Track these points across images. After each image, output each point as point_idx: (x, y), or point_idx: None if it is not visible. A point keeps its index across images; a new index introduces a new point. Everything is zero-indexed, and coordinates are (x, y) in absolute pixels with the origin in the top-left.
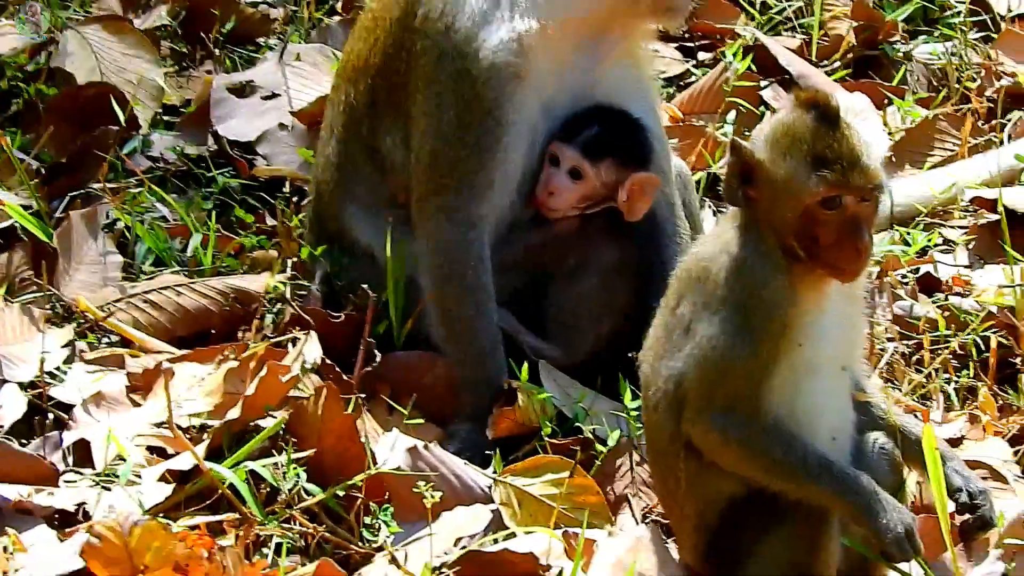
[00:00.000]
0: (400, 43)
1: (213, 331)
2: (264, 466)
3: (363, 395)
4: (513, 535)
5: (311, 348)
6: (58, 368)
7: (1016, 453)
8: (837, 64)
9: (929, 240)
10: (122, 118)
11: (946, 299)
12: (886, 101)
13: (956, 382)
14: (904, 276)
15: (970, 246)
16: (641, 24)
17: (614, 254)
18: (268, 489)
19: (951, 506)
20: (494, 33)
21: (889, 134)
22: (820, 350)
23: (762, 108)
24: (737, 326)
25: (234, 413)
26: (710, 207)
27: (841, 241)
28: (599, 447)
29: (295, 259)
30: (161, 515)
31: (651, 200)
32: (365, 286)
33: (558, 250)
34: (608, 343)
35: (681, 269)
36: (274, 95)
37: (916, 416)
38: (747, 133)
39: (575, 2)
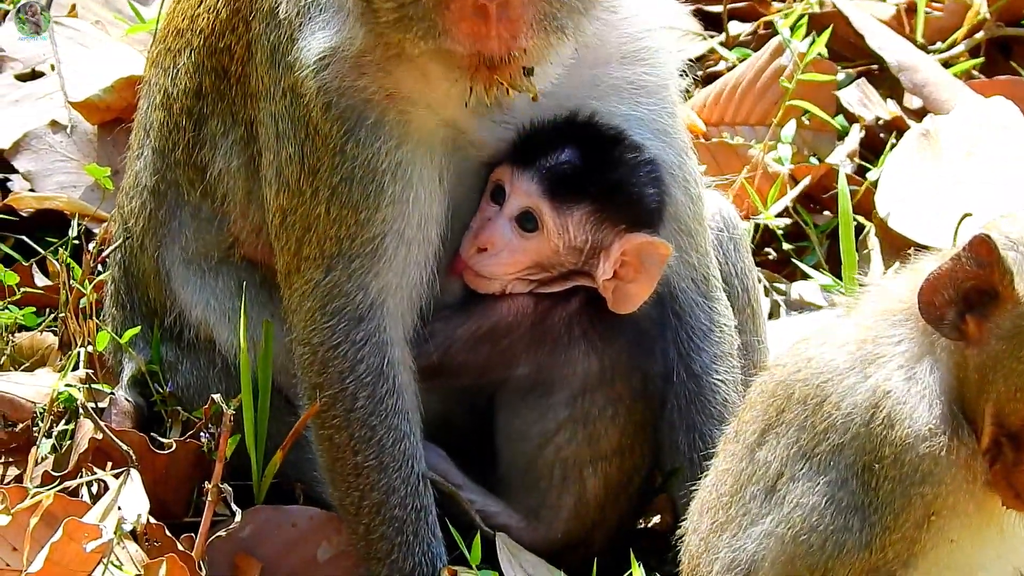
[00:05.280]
0: (236, 6)
1: None
2: None
3: None
4: None
5: (132, 497)
6: None
7: None
8: (959, 48)
9: None
10: None
11: None
12: None
13: None
14: None
15: None
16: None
17: (593, 364)
18: None
19: None
20: (311, 37)
21: None
22: (985, 548)
23: (840, 118)
24: (856, 498)
25: None
26: (760, 282)
27: None
28: None
29: (88, 348)
30: None
31: (655, 280)
32: (217, 396)
33: (503, 353)
34: (598, 505)
35: (773, 381)
36: (37, 73)
37: None
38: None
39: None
